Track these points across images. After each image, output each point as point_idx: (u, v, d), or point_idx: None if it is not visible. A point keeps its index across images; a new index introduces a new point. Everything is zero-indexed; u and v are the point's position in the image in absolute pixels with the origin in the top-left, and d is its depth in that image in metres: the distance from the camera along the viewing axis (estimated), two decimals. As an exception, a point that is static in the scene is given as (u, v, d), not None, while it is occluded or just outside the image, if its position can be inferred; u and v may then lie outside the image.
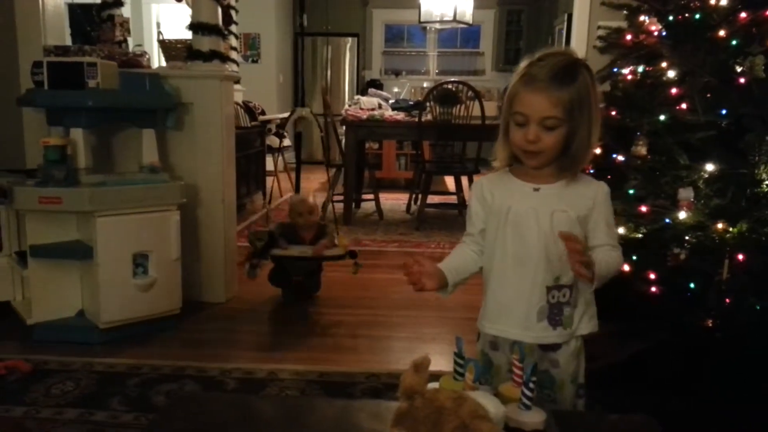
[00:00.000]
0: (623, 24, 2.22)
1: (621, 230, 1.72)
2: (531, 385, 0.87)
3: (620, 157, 1.94)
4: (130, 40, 3.62)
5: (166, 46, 3.12)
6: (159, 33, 4.27)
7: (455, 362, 0.99)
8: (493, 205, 1.23)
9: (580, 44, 4.57)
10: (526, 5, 8.55)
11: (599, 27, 2.41)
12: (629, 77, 2.09)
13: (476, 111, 4.19)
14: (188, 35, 2.76)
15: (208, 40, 2.66)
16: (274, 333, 2.50)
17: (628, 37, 2.10)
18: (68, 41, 3.05)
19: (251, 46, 7.60)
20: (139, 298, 2.31)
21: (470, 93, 4.22)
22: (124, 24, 3.56)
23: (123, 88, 2.39)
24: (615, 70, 2.08)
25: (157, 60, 4.39)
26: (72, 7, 3.01)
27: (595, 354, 1.77)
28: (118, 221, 2.24)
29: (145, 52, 2.96)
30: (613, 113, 2.03)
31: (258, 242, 2.73)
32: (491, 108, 4.63)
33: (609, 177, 1.72)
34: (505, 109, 1.19)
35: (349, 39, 8.49)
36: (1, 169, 2.57)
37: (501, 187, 1.23)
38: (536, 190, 1.20)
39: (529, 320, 1.18)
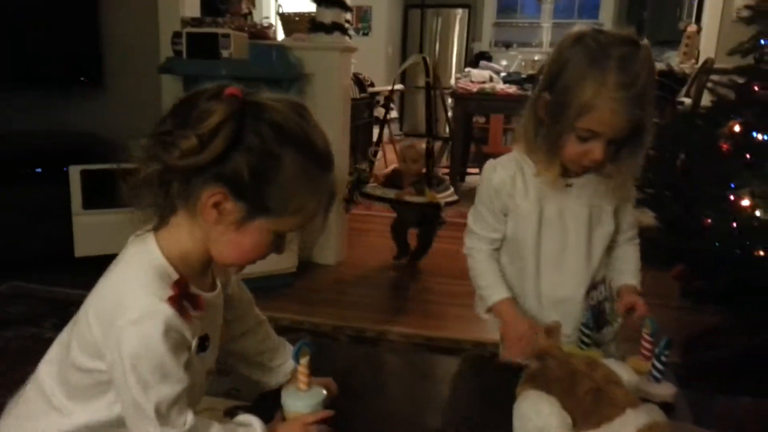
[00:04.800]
0: (775, -9, 2.03)
1: (758, 213, 1.62)
2: (663, 358, 0.87)
3: (761, 136, 1.80)
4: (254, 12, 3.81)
5: (285, 18, 3.26)
6: (278, 6, 4.44)
7: (581, 332, 1.00)
8: (517, 203, 1.11)
9: (714, 15, 4.22)
10: (652, -28, 7.98)
11: (746, -6, 2.22)
12: (777, 50, 1.92)
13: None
14: (304, 8, 2.85)
15: (331, 12, 2.74)
16: (382, 297, 2.59)
17: (780, 5, 1.92)
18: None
19: (363, 18, 7.70)
20: (261, 255, 2.48)
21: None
22: (250, -3, 3.75)
23: (252, 58, 2.54)
24: (762, 42, 1.92)
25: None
26: (203, -19, 3.20)
27: (718, 343, 1.69)
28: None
29: (272, 24, 3.10)
30: (756, 88, 1.89)
31: (348, 177, 2.78)
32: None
33: (748, 156, 1.62)
34: (563, 116, 0.98)
35: (460, 10, 8.37)
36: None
37: (523, 180, 1.12)
38: (569, 186, 1.08)
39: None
